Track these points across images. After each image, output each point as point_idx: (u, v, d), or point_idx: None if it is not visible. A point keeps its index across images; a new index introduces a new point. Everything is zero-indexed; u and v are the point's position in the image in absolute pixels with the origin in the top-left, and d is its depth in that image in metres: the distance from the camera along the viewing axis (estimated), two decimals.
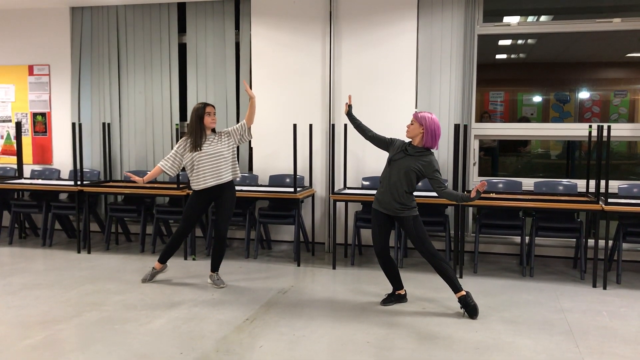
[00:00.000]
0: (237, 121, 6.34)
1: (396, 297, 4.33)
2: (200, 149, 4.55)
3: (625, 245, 5.21)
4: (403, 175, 4.02)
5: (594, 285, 4.79)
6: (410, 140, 4.12)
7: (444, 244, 5.61)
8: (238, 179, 4.77)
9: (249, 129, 4.70)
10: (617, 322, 3.95)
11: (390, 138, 4.26)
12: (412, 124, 4.06)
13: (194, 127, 4.57)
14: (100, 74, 6.71)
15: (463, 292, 4.05)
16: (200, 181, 4.58)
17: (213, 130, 4.68)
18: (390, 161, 4.12)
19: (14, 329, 3.75)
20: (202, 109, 4.57)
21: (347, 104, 4.51)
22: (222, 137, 4.66)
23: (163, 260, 4.89)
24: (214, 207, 4.77)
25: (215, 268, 4.80)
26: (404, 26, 5.84)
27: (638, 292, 4.69)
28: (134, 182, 4.74)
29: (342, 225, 5.85)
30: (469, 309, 4.01)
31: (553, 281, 4.97)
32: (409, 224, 4.08)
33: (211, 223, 5.83)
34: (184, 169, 4.73)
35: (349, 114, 4.49)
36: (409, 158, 4.04)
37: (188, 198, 4.82)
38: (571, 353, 3.40)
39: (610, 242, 5.14)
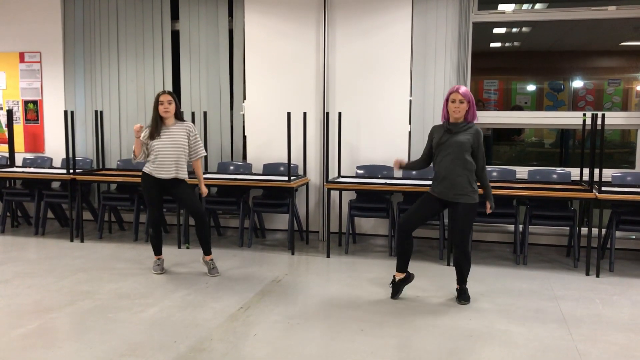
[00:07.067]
0: (231, 109, 6.32)
1: (400, 283, 4.17)
2: (159, 137, 4.53)
3: (618, 234, 5.22)
4: (459, 153, 3.88)
5: (587, 273, 4.82)
6: (444, 121, 3.99)
7: (438, 233, 5.61)
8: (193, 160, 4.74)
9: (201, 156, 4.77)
10: (610, 309, 3.98)
11: (429, 140, 4.11)
12: (462, 103, 3.89)
13: (153, 114, 4.58)
14: (92, 62, 6.64)
15: (466, 286, 4.11)
16: (163, 170, 4.55)
17: (180, 119, 4.65)
18: (438, 146, 3.97)
19: (7, 318, 3.74)
20: (156, 97, 4.55)
21: (398, 164, 4.25)
22: (185, 129, 4.62)
23: (158, 253, 4.87)
24: (174, 197, 4.82)
25: (207, 252, 4.78)
26: (398, 14, 5.80)
27: (630, 279, 4.72)
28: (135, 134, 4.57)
29: (337, 214, 5.84)
30: (464, 297, 4.06)
31: (546, 269, 4.99)
32: (465, 210, 3.93)
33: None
34: None
35: (402, 167, 4.29)
36: (456, 135, 3.91)
37: (141, 187, 4.78)
38: (564, 341, 3.42)
39: (604, 230, 5.15)
